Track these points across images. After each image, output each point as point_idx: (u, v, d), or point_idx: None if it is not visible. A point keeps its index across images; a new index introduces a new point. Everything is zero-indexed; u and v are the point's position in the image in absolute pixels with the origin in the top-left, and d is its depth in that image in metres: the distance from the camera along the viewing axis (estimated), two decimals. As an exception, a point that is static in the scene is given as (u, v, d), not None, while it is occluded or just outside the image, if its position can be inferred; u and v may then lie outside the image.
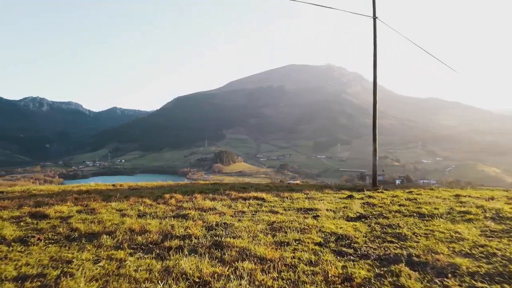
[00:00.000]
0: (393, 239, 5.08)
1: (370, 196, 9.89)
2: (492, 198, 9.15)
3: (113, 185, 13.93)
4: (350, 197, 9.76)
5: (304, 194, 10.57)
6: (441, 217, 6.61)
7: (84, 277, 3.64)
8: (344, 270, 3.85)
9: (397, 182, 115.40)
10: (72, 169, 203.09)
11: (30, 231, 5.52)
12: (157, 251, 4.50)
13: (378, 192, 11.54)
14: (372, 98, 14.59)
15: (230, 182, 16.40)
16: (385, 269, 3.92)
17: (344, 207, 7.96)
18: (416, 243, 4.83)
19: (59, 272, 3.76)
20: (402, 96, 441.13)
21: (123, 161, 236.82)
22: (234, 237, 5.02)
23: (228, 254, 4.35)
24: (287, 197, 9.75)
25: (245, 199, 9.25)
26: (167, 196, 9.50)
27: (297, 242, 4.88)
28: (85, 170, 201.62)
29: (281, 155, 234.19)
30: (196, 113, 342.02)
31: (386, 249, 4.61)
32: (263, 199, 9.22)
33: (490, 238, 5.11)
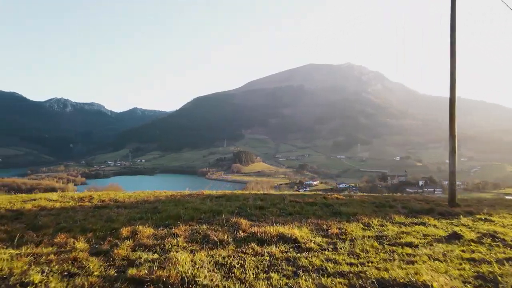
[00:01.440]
0: None
1: (493, 236, 5.36)
2: None
3: (81, 199, 10.05)
4: (457, 237, 5.29)
5: (364, 225, 6.20)
6: None
7: None
8: None
9: (420, 183, 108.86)
10: (94, 168, 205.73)
11: None
12: None
13: (483, 219, 6.99)
14: (450, 79, 9.99)
15: (243, 194, 12.16)
16: None
17: (481, 279, 3.54)
18: None
19: None
20: (425, 96, 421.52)
21: (143, 161, 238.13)
22: None
23: None
24: (338, 236, 5.41)
25: (262, 241, 4.99)
26: (126, 232, 5.38)
27: None
28: (107, 170, 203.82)
29: (300, 155, 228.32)
30: (216, 113, 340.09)
31: None
32: (295, 243, 4.94)
33: None
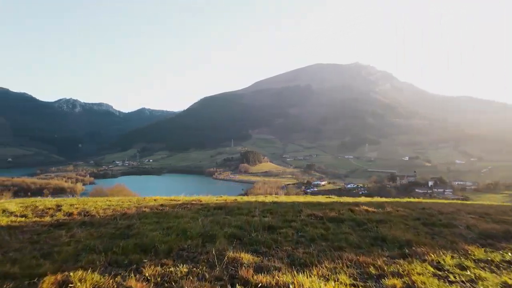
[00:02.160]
0: None
1: None
2: None
3: (45, 211, 7.98)
4: None
5: (434, 267, 3.95)
6: None
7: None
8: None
9: (430, 183, 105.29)
10: (103, 168, 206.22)
11: None
12: None
13: None
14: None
15: (248, 202, 9.98)
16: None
17: None
18: None
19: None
20: (434, 95, 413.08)
21: (151, 161, 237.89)
22: None
23: None
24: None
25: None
26: (49, 284, 3.25)
27: None
28: (115, 169, 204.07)
29: (307, 155, 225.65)
30: (223, 113, 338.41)
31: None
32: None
33: None
